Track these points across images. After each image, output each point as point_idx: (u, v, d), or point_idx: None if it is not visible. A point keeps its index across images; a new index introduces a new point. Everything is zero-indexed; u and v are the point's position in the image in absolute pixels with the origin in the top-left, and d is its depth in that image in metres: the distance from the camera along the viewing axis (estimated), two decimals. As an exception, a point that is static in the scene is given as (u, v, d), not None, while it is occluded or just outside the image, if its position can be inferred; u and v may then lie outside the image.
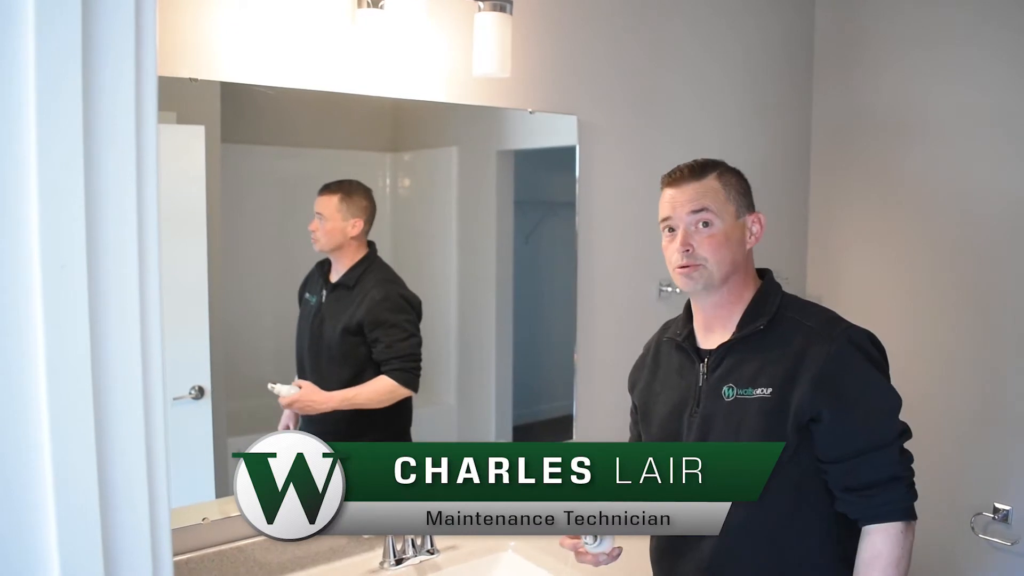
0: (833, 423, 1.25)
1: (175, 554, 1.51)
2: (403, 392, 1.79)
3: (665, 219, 1.34)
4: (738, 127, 2.50)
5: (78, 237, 0.55)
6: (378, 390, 1.78)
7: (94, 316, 0.57)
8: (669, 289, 2.31)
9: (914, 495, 1.27)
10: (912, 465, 1.29)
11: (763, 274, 1.40)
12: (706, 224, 1.30)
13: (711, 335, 1.37)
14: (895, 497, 1.24)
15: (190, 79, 1.49)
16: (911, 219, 2.48)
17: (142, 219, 0.59)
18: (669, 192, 1.34)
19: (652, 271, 2.31)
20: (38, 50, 0.53)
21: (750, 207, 1.36)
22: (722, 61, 2.44)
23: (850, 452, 1.25)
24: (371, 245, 1.80)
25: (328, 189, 1.73)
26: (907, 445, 1.29)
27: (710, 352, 1.36)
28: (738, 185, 1.35)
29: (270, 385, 1.69)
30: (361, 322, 1.77)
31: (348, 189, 1.75)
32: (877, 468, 1.24)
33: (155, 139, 0.60)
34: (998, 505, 2.28)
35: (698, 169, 1.33)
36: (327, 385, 1.75)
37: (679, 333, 1.42)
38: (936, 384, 2.40)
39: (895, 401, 1.28)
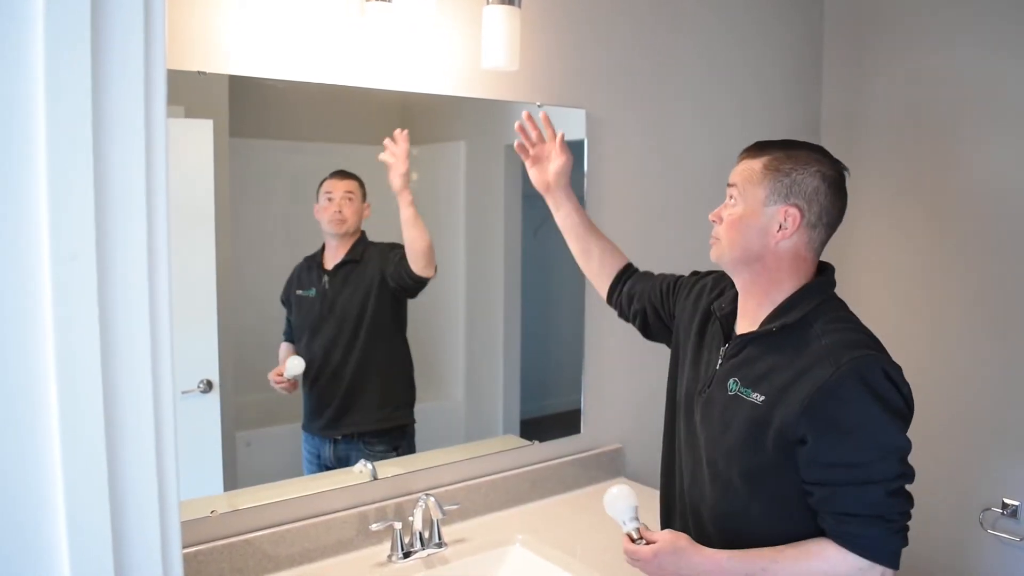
0: (817, 449, 1.17)
1: (184, 546, 1.52)
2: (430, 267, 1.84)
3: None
4: (747, 121, 2.49)
5: (88, 229, 0.55)
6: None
7: (103, 308, 0.57)
8: (677, 283, 2.30)
9: (900, 541, 1.17)
10: (907, 511, 1.18)
11: (824, 271, 1.32)
12: (730, 201, 1.31)
13: (743, 320, 1.34)
14: (874, 534, 1.15)
15: (198, 72, 1.49)
16: (919, 215, 2.47)
17: (152, 212, 0.59)
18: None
19: (660, 265, 2.30)
20: (47, 43, 0.53)
21: (787, 198, 1.25)
22: (731, 56, 2.43)
23: (830, 480, 1.17)
24: (362, 231, 1.82)
25: (345, 174, 1.76)
26: (915, 452, 1.18)
27: (735, 338, 1.33)
28: (787, 176, 1.25)
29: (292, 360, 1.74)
30: (382, 273, 1.82)
31: (357, 177, 1.78)
32: (860, 502, 1.15)
33: (164, 132, 0.60)
34: (1007, 500, 2.27)
35: (759, 147, 1.31)
36: (343, 354, 1.79)
37: (724, 307, 1.39)
38: (945, 378, 2.39)
39: (896, 442, 1.16)
